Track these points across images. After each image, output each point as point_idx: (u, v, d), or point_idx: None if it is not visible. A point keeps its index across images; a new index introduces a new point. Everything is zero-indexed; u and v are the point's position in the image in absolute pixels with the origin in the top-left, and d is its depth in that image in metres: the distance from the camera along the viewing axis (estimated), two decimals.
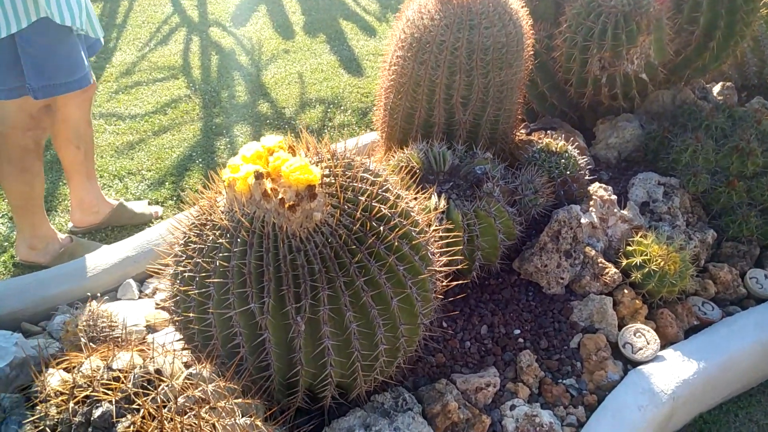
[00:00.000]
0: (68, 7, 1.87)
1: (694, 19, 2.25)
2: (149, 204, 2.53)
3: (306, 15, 4.77)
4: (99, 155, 2.87)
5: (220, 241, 1.25)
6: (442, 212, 1.73)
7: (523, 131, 2.49)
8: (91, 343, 1.46)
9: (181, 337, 1.40)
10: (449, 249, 1.58)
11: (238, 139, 3.04)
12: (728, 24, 2.22)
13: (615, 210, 1.98)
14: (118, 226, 2.40)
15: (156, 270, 1.43)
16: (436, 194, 1.78)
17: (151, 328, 1.72)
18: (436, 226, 1.69)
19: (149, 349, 1.17)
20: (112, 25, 4.39)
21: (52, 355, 1.57)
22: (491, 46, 1.94)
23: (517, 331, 1.74)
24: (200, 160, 2.86)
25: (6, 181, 2.08)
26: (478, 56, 1.95)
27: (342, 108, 3.34)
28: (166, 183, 2.68)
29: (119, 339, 1.49)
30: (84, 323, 1.49)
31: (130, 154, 2.87)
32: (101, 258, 1.93)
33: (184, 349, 1.42)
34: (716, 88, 2.85)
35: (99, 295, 1.72)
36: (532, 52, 2.44)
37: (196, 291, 1.28)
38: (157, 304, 1.80)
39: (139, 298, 1.88)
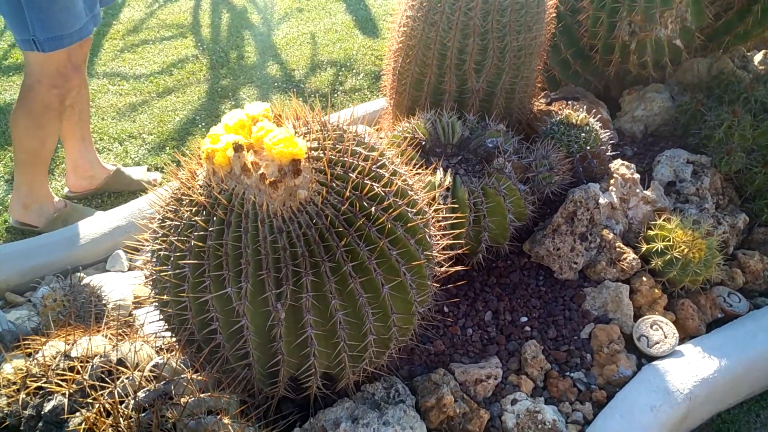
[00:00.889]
0: None
1: None
2: (148, 170, 2.44)
3: None
4: (100, 117, 2.78)
5: (195, 219, 1.15)
6: (447, 189, 1.60)
7: (542, 101, 2.32)
8: (69, 320, 1.38)
9: (160, 317, 1.31)
10: (452, 231, 1.46)
11: (244, 102, 2.92)
12: None
13: (637, 190, 1.83)
14: (115, 192, 2.32)
15: (135, 246, 1.34)
16: (441, 169, 1.65)
17: (138, 304, 1.64)
18: (439, 204, 1.57)
19: (118, 333, 1.09)
20: None
21: (34, 329, 1.51)
22: (509, 7, 1.77)
23: (524, 319, 1.62)
24: (204, 124, 2.75)
25: (19, 134, 2.02)
26: (493, 17, 1.78)
27: (354, 71, 3.18)
28: (167, 148, 2.58)
29: (101, 315, 1.41)
30: (63, 297, 1.41)
31: (132, 116, 2.77)
32: (91, 226, 1.85)
33: (165, 330, 1.34)
34: (758, 57, 2.63)
35: (81, 267, 1.64)
36: (554, 15, 2.26)
37: (171, 272, 1.19)
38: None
39: (129, 270, 1.80)
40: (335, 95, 2.97)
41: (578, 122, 1.92)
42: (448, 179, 1.60)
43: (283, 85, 3.07)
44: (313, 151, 1.20)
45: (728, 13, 2.15)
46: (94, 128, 2.66)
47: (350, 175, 1.19)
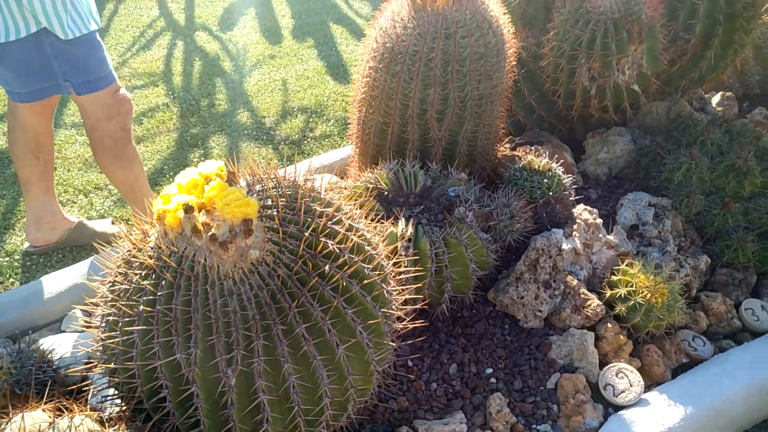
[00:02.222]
0: (73, 19, 1.90)
1: (690, 26, 2.10)
2: (113, 223, 2.41)
3: (296, 18, 4.64)
4: (66, 168, 2.75)
5: (144, 283, 1.12)
6: (409, 240, 1.59)
7: (507, 146, 2.35)
8: (15, 389, 1.33)
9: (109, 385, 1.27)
10: (413, 285, 1.45)
11: (213, 151, 2.91)
12: (726, 32, 2.07)
13: (600, 235, 1.84)
14: (78, 245, 2.28)
15: (88, 310, 1.30)
16: (403, 219, 1.64)
17: (89, 370, 1.58)
18: (401, 255, 1.56)
19: (57, 408, 1.04)
20: None
21: None
22: (468, 57, 1.80)
23: (490, 370, 1.60)
24: (171, 173, 2.73)
25: (109, 172, 2.20)
26: (453, 68, 1.81)
27: (325, 117, 3.20)
28: None
29: (48, 383, 1.36)
30: (10, 364, 1.36)
31: (98, 166, 2.75)
32: (46, 285, 1.80)
33: (114, 398, 1.29)
34: (715, 99, 2.70)
35: (30, 332, 1.59)
36: (515, 62, 2.31)
37: (120, 339, 1.15)
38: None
39: (85, 329, 1.75)
40: (305, 142, 2.98)
41: (541, 168, 1.94)
42: (410, 230, 1.59)
43: (254, 133, 3.08)
44: (266, 209, 1.19)
45: (683, 59, 2.21)
46: (60, 180, 2.63)
47: (304, 233, 1.17)
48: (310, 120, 3.19)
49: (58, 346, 1.58)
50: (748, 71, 2.85)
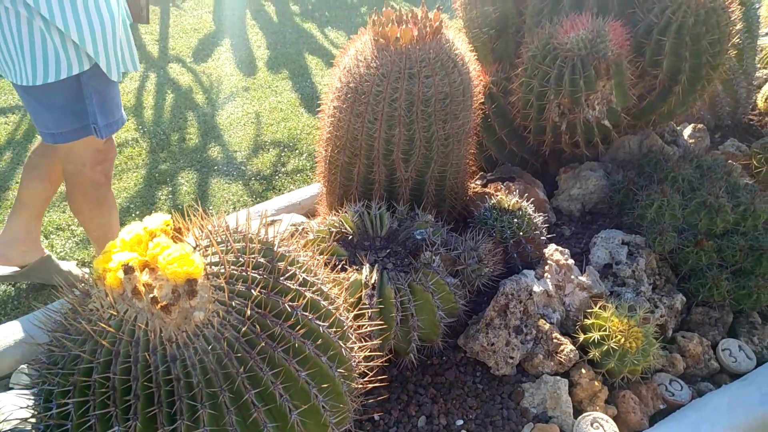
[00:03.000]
0: (116, 60, 1.91)
1: (657, 62, 2.10)
2: (77, 266, 2.33)
3: (271, 49, 4.62)
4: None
5: (80, 350, 1.05)
6: (374, 287, 1.53)
7: (478, 182, 2.31)
8: None
9: None
10: (378, 336, 1.39)
11: (182, 188, 2.84)
12: (693, 68, 2.07)
13: (572, 276, 1.79)
14: (38, 282, 2.20)
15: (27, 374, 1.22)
16: (368, 265, 1.58)
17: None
18: (365, 303, 1.50)
19: None
20: None
21: None
22: (433, 97, 1.76)
23: (460, 422, 1.53)
24: (138, 212, 2.66)
25: (85, 217, 2.15)
26: (418, 108, 1.77)
27: (297, 151, 3.15)
28: None
29: None
30: None
31: (63, 206, 2.67)
32: None
33: None
34: (687, 130, 2.70)
35: None
36: (484, 98, 2.29)
37: (55, 410, 1.07)
38: None
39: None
40: (277, 177, 2.93)
41: (510, 207, 1.90)
42: (374, 277, 1.53)
43: (224, 168, 3.02)
44: (212, 267, 1.12)
45: (652, 94, 2.20)
46: None
47: (252, 291, 1.11)
48: (282, 154, 3.14)
49: (3, 406, 1.49)
50: (719, 102, 2.86)
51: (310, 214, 2.37)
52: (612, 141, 2.34)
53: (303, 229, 1.98)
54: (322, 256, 1.59)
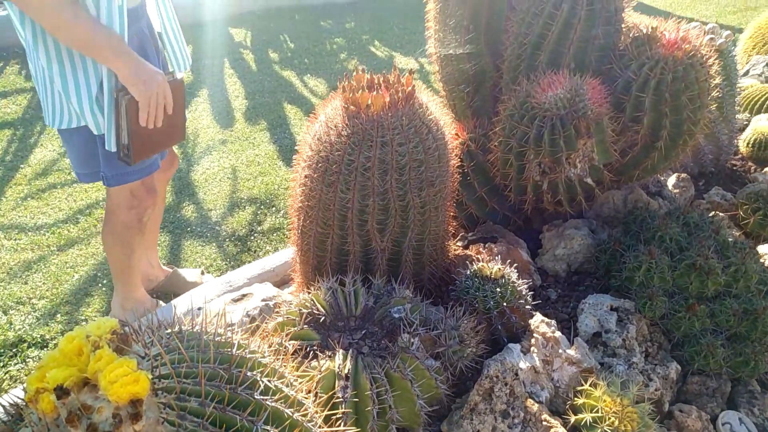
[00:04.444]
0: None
1: (637, 118, 2.04)
2: (201, 273, 2.54)
3: (249, 99, 4.57)
4: None
5: None
6: (347, 377, 1.42)
7: (459, 243, 2.22)
8: None
9: None
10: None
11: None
12: (674, 123, 2.02)
13: (560, 350, 1.69)
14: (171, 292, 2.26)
15: None
16: (341, 352, 1.47)
17: None
18: (338, 397, 1.38)
19: None
20: (37, 118, 4.12)
21: None
22: (407, 165, 1.69)
23: None
24: (105, 281, 2.53)
25: (108, 248, 2.26)
26: (392, 176, 1.69)
27: (274, 208, 3.06)
28: (59, 315, 2.33)
29: None
30: None
31: (25, 276, 2.53)
32: None
33: None
34: (671, 180, 2.65)
35: None
36: (463, 155, 2.23)
37: None
38: None
39: None
40: (252, 237, 2.82)
41: (493, 275, 1.81)
42: (348, 366, 1.42)
43: (198, 229, 2.91)
44: (162, 380, 1.01)
45: (634, 149, 2.14)
46: None
47: (207, 408, 1.00)
48: (259, 212, 3.04)
49: None
50: (701, 150, 2.82)
51: (285, 281, 2.26)
52: (595, 198, 2.28)
53: (275, 303, 1.87)
54: (291, 344, 1.48)
